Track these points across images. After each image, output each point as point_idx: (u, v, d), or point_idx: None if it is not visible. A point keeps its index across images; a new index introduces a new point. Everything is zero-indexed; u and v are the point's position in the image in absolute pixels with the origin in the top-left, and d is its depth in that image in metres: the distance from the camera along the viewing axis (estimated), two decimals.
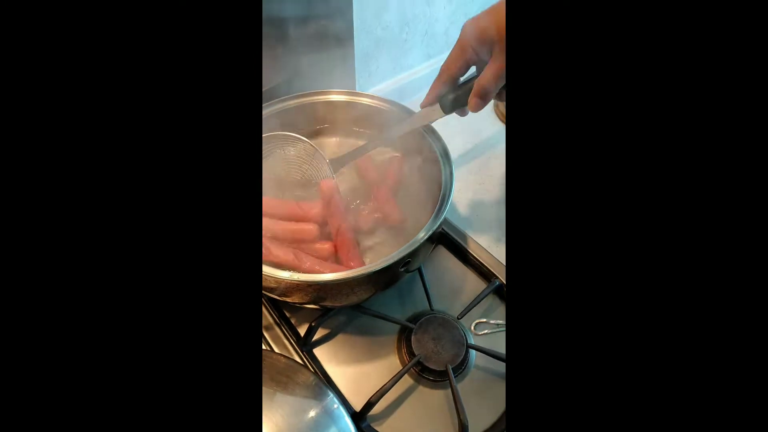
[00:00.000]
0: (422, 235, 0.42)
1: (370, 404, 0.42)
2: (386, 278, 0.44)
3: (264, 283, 0.42)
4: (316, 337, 0.49)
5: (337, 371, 0.47)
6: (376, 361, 0.48)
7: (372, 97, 0.56)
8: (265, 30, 0.54)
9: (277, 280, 0.40)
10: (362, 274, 0.39)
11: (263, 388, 0.40)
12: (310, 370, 0.45)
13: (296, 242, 0.48)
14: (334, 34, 0.64)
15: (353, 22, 0.64)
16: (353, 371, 0.47)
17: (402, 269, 0.43)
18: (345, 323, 0.50)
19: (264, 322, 0.51)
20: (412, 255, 0.41)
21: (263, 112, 0.54)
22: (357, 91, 0.61)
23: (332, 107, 0.58)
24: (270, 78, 0.59)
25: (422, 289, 0.52)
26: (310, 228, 0.48)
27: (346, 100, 0.57)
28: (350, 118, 0.58)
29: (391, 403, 0.45)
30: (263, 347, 0.48)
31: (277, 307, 0.51)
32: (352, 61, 0.69)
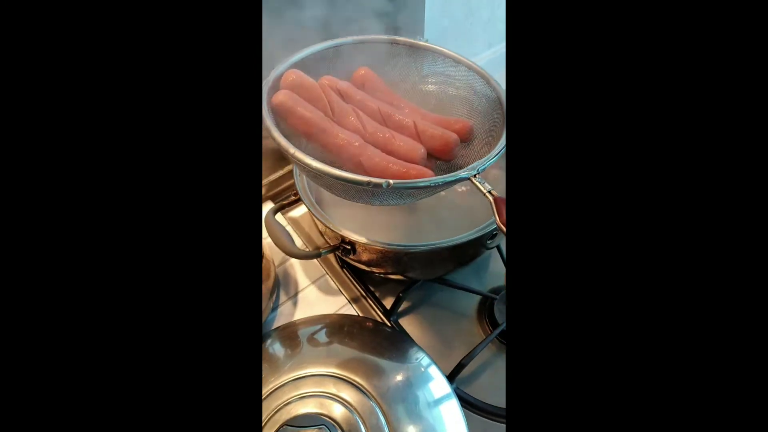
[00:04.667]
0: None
1: (461, 366, 0.45)
2: (472, 250, 0.47)
3: (362, 255, 0.45)
4: (400, 308, 0.52)
5: (422, 340, 0.50)
6: (459, 331, 0.50)
7: None
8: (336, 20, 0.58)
9: (372, 249, 0.43)
10: (451, 244, 0.42)
11: (361, 350, 0.44)
12: (402, 335, 0.48)
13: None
14: (404, 26, 0.67)
15: (424, 14, 0.67)
16: (437, 341, 0.50)
17: (488, 242, 0.45)
18: (428, 296, 0.53)
19: (351, 295, 0.55)
20: (498, 229, 0.43)
21: None
22: None
23: None
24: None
25: (500, 265, 0.54)
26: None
27: None
28: None
29: (476, 369, 0.47)
30: (355, 314, 0.52)
31: (362, 280, 0.55)
32: None
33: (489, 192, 0.31)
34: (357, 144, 0.35)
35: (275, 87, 0.37)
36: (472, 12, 0.76)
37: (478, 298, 0.52)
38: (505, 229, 0.29)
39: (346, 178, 0.31)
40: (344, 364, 0.42)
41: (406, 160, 0.35)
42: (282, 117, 0.36)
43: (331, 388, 0.40)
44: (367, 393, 0.39)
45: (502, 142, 0.34)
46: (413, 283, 0.52)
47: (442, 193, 0.47)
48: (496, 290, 0.52)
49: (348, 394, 0.39)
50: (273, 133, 0.33)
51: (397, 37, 0.43)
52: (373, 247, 0.43)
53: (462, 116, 0.41)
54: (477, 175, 0.32)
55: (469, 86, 0.42)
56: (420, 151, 0.36)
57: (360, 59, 0.42)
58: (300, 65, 0.39)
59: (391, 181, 0.30)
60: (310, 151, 0.37)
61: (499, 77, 0.67)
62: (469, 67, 0.41)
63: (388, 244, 0.42)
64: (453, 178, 0.32)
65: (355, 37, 0.42)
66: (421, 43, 0.43)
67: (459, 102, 0.42)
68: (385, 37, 0.42)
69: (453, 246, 0.42)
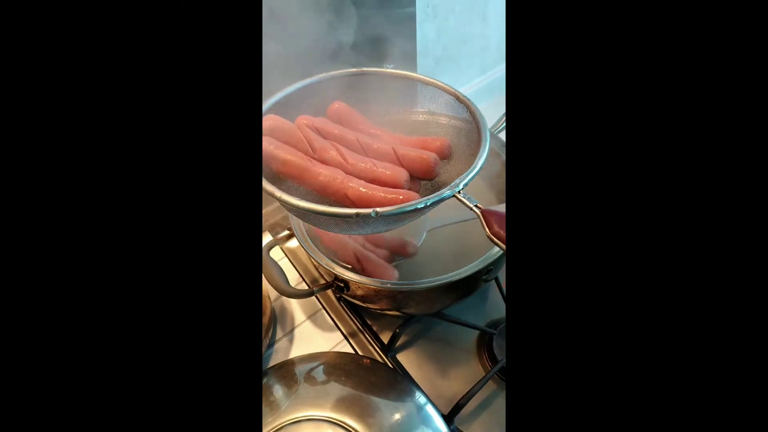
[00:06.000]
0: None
1: (458, 406, 0.44)
2: (467, 286, 0.46)
3: (356, 292, 0.45)
4: (398, 343, 0.52)
5: (420, 376, 0.49)
6: (458, 367, 0.50)
7: None
8: (331, 52, 0.59)
9: (366, 288, 0.43)
10: (446, 282, 0.42)
11: (358, 390, 0.43)
12: (399, 373, 0.48)
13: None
14: (399, 55, 0.68)
15: (416, 44, 0.68)
16: (436, 377, 0.49)
17: (484, 277, 0.45)
18: (425, 330, 0.53)
19: (348, 329, 0.54)
20: (494, 264, 0.43)
21: None
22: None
23: None
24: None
25: (498, 296, 0.53)
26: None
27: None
28: None
29: (476, 408, 0.46)
30: (351, 352, 0.52)
31: (359, 315, 0.54)
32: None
33: (475, 206, 0.31)
34: (339, 179, 0.36)
35: None
36: (465, 41, 0.78)
37: (477, 332, 0.51)
38: (496, 240, 0.29)
39: (333, 213, 0.31)
40: (340, 407, 0.41)
41: (391, 186, 0.36)
42: (265, 163, 0.37)
43: None
44: None
45: (481, 154, 0.35)
46: (411, 318, 0.51)
47: (436, 227, 0.47)
48: (494, 324, 0.51)
49: None
50: None
51: (364, 68, 0.44)
52: (367, 286, 0.42)
53: (438, 134, 0.42)
54: (461, 192, 0.32)
55: (441, 105, 0.42)
56: (403, 175, 0.36)
57: (333, 94, 0.43)
58: (274, 109, 0.40)
59: (378, 210, 0.30)
60: (298, 191, 0.37)
61: (494, 101, 0.68)
62: (438, 87, 0.42)
63: (382, 283, 0.42)
64: (438, 198, 0.32)
65: (325, 74, 0.43)
66: (388, 69, 0.44)
67: (433, 123, 0.43)
68: (354, 69, 0.44)
69: (448, 284, 0.41)
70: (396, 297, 0.44)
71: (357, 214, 0.30)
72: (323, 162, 0.37)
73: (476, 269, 0.42)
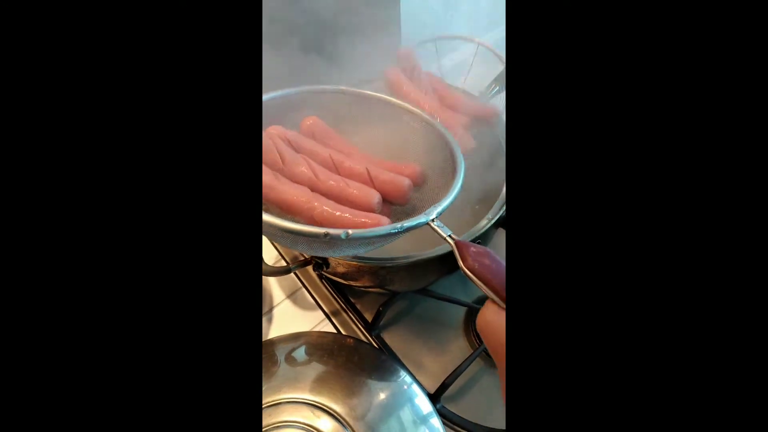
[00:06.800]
0: (490, 218, 0.41)
1: (444, 385, 0.42)
2: (454, 260, 0.44)
3: (336, 269, 0.42)
4: (382, 321, 0.50)
5: (406, 355, 0.47)
6: (445, 345, 0.48)
7: None
8: (311, 22, 0.55)
9: (346, 264, 0.40)
10: (431, 257, 0.39)
11: (340, 370, 0.41)
12: (383, 352, 0.46)
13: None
14: (381, 23, 0.64)
15: (400, 9, 0.64)
16: (422, 355, 0.47)
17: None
18: (410, 307, 0.51)
19: (330, 308, 0.52)
20: (482, 237, 0.41)
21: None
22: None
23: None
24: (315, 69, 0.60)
25: None
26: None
27: None
28: None
29: (463, 386, 0.45)
30: (333, 331, 0.50)
31: (342, 292, 0.52)
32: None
33: (449, 236, 0.29)
34: (305, 199, 0.33)
35: None
36: (450, 5, 0.73)
37: (464, 308, 0.50)
38: (470, 275, 0.26)
39: (301, 231, 0.28)
40: (322, 389, 0.39)
41: (361, 208, 0.34)
42: None
43: (308, 415, 0.37)
44: (345, 423, 0.36)
45: (456, 184, 0.34)
46: (395, 295, 0.49)
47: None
48: (482, 300, 0.49)
49: (324, 423, 0.36)
50: None
51: (343, 87, 0.43)
52: (348, 262, 0.40)
53: (412, 159, 0.41)
54: (434, 220, 0.30)
55: (416, 130, 0.41)
56: (375, 197, 0.35)
57: (308, 110, 0.42)
58: None
59: (350, 231, 0.28)
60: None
61: (486, 68, 0.64)
62: (413, 113, 0.41)
63: (363, 259, 0.39)
64: (413, 223, 0.30)
65: (301, 88, 0.41)
66: (368, 92, 0.43)
67: (409, 146, 0.42)
68: (331, 87, 0.42)
69: (432, 258, 0.39)
70: (379, 273, 0.41)
71: (326, 234, 0.28)
72: (293, 176, 0.35)
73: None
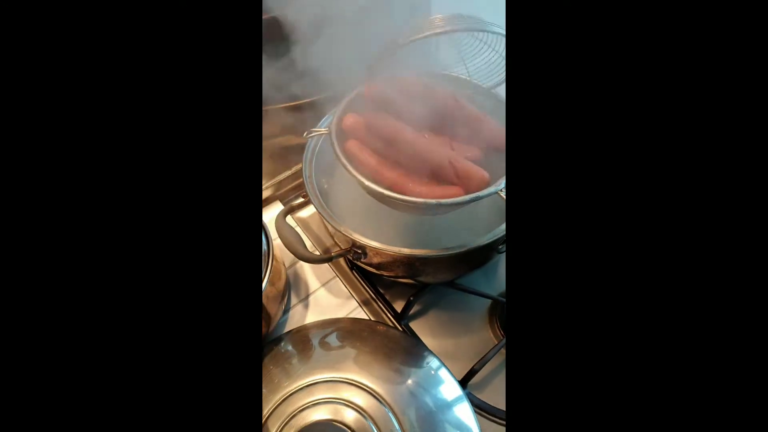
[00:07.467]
0: None
1: (472, 372, 0.45)
2: (483, 255, 0.47)
3: (372, 259, 0.45)
4: (411, 312, 0.52)
5: (433, 344, 0.50)
6: (470, 336, 0.50)
7: None
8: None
9: (384, 254, 0.43)
10: (464, 250, 0.42)
11: (373, 353, 0.44)
12: (414, 338, 0.48)
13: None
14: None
15: None
16: (449, 344, 0.50)
17: (500, 247, 0.45)
18: (438, 299, 0.53)
19: (361, 297, 0.55)
20: None
21: None
22: None
23: None
24: None
25: None
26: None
27: None
28: None
29: (488, 374, 0.47)
30: (365, 318, 0.52)
31: (372, 283, 0.55)
32: None
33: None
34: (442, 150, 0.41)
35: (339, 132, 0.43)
36: None
37: (489, 301, 0.52)
38: None
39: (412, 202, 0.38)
40: (357, 369, 0.42)
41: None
42: (361, 139, 0.42)
43: (344, 393, 0.40)
44: (380, 398, 0.39)
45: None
46: (424, 287, 0.52)
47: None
48: (504, 294, 0.52)
49: (361, 399, 0.39)
50: (350, 170, 0.40)
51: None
52: (385, 252, 0.43)
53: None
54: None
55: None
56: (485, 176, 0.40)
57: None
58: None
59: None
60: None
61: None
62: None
63: (401, 250, 0.42)
64: (485, 194, 0.38)
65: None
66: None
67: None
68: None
69: (466, 251, 0.42)
70: (413, 264, 0.44)
71: (438, 204, 0.38)
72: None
73: (493, 239, 0.42)
